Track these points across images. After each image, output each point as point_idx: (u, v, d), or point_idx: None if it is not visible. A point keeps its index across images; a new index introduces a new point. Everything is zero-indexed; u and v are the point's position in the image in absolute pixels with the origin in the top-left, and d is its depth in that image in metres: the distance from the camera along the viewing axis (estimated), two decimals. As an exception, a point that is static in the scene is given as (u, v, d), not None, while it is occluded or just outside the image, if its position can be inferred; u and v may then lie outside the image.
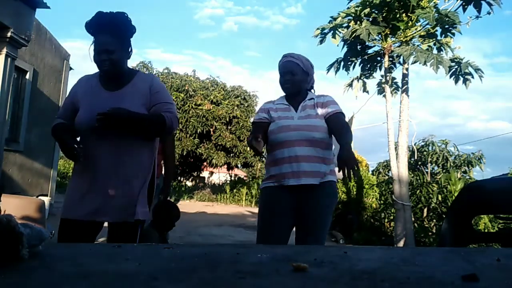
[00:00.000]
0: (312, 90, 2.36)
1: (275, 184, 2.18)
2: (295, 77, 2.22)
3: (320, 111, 2.20)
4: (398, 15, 4.95)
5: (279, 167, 2.16)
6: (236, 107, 15.60)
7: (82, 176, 1.80)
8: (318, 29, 5.21)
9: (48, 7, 6.04)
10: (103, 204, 1.75)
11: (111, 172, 1.76)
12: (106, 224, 1.84)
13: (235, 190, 17.13)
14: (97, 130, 1.73)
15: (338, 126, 2.14)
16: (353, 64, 5.50)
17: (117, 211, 1.75)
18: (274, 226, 2.17)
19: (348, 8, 5.18)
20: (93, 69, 1.90)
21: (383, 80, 5.49)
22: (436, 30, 4.85)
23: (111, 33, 1.75)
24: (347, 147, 1.93)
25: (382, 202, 8.62)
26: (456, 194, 5.26)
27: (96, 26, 1.77)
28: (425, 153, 8.30)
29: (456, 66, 5.02)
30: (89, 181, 1.77)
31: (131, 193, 1.77)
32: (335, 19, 5.17)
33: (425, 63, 4.45)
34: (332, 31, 5.15)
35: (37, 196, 6.24)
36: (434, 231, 6.30)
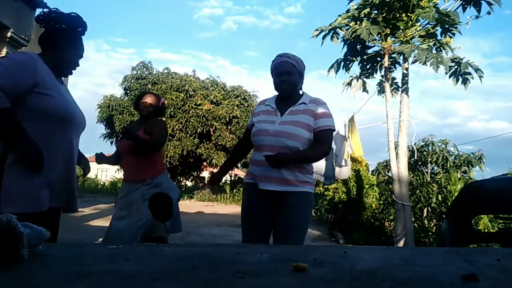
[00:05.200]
0: (300, 92, 2.32)
1: (252, 181, 2.21)
2: (292, 77, 2.18)
3: (308, 120, 2.15)
4: (398, 15, 4.95)
5: (255, 168, 2.20)
6: (236, 107, 15.60)
7: (48, 165, 1.69)
8: (317, 30, 5.21)
9: (48, 7, 6.04)
10: (70, 190, 1.84)
11: (73, 161, 1.88)
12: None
13: (235, 190, 17.13)
14: (75, 122, 1.82)
15: (315, 148, 2.15)
16: (352, 63, 5.51)
17: (74, 198, 1.89)
18: (252, 223, 2.22)
19: (347, 10, 5.19)
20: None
21: (383, 80, 5.49)
22: (436, 30, 4.85)
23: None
24: (289, 153, 2.06)
25: (382, 202, 8.62)
26: (456, 194, 5.26)
27: (84, 29, 1.90)
28: (425, 153, 8.30)
29: (456, 66, 5.02)
30: (57, 169, 1.76)
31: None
32: (334, 22, 5.18)
33: (425, 63, 4.45)
34: (332, 32, 5.15)
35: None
36: (434, 231, 6.30)
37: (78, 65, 1.92)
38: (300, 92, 2.31)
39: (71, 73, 1.93)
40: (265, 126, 2.18)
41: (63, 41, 1.81)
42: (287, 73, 2.18)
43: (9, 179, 1.61)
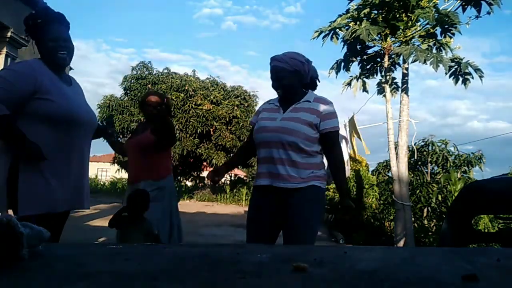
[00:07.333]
0: (317, 81, 2.34)
1: (259, 183, 2.19)
2: (283, 81, 2.16)
3: (310, 117, 2.12)
4: (397, 15, 4.96)
5: (259, 166, 2.20)
6: (236, 107, 15.60)
7: (54, 167, 1.78)
8: (316, 31, 5.21)
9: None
10: (78, 193, 1.92)
11: (83, 162, 1.94)
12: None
13: (235, 190, 17.14)
14: (80, 123, 1.86)
15: (332, 160, 2.19)
16: (352, 64, 5.52)
17: (86, 199, 1.99)
18: (256, 226, 2.20)
19: (347, 10, 5.19)
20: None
21: (383, 80, 5.49)
22: (436, 30, 4.85)
23: (67, 27, 1.95)
24: (345, 196, 2.20)
25: (382, 202, 8.62)
26: (456, 194, 5.25)
27: (60, 18, 1.93)
28: (425, 153, 8.30)
29: (456, 66, 5.02)
30: (65, 171, 1.82)
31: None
32: (334, 22, 5.18)
33: (425, 62, 4.45)
34: (331, 32, 5.16)
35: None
36: (434, 231, 6.30)
37: (65, 49, 1.89)
38: (317, 81, 2.33)
39: (65, 59, 1.90)
40: (266, 123, 2.18)
41: (39, 33, 1.88)
42: (277, 79, 2.18)
43: (24, 183, 1.71)
